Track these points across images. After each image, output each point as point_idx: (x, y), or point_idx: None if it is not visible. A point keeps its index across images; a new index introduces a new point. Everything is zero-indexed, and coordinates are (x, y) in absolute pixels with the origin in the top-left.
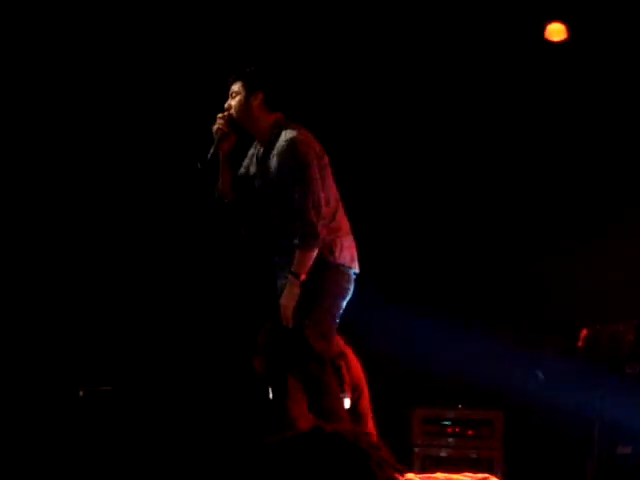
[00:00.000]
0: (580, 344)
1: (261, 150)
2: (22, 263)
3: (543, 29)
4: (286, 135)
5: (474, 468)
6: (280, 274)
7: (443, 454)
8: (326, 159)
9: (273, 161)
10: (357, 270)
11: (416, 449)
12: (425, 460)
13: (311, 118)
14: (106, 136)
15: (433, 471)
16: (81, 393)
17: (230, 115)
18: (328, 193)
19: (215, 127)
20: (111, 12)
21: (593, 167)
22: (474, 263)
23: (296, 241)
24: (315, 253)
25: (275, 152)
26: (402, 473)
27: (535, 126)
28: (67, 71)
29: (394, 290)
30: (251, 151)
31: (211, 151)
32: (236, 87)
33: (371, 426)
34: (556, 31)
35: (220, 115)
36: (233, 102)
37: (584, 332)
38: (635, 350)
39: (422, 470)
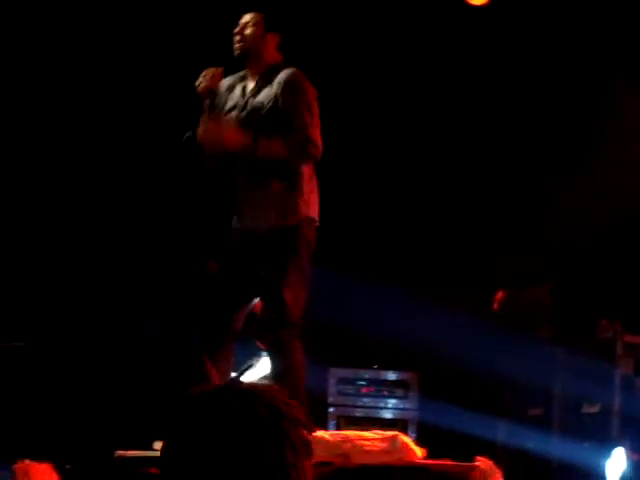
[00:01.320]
0: (496, 306)
1: (251, 82)
2: None
3: None
4: (291, 69)
5: (389, 429)
6: (245, 213)
7: (358, 414)
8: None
9: (273, 88)
10: (318, 224)
11: (331, 409)
12: (340, 420)
13: None
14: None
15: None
16: None
17: (219, 72)
18: None
19: (203, 85)
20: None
21: (508, 138)
22: (393, 224)
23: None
24: (291, 158)
25: (277, 81)
26: (312, 432)
27: (453, 99)
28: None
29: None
30: (227, 85)
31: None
32: (252, 19)
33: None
34: None
35: (208, 73)
36: (247, 32)
37: (500, 294)
38: (550, 314)
39: (337, 430)
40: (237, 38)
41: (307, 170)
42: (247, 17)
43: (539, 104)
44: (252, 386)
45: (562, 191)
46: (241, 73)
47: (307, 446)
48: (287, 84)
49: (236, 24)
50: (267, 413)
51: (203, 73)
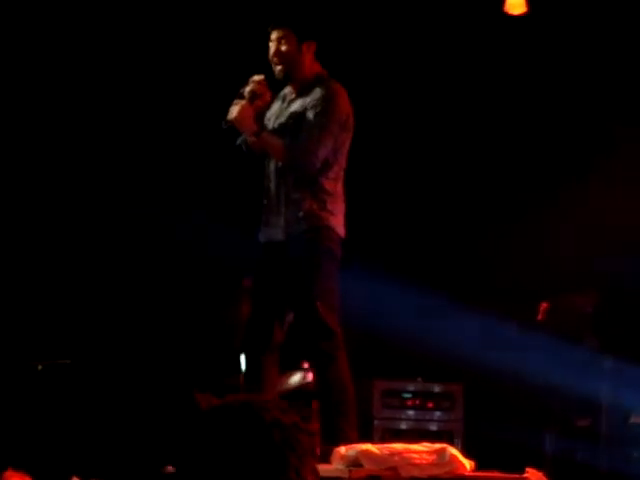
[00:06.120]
0: (540, 317)
1: (293, 94)
2: None
3: (503, 2)
4: (328, 84)
5: (434, 441)
6: (271, 221)
7: (403, 427)
8: (351, 125)
9: (304, 100)
10: (343, 236)
11: (376, 422)
12: (385, 433)
13: None
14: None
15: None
16: (40, 367)
17: (264, 79)
18: (341, 157)
19: (249, 88)
20: None
21: (547, 140)
22: (438, 236)
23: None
24: (286, 163)
25: (311, 95)
26: (306, 432)
27: (488, 101)
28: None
29: (356, 258)
30: (278, 95)
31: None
32: (283, 34)
33: None
34: (516, 4)
35: (256, 79)
36: (283, 49)
37: (544, 305)
38: (594, 323)
39: (382, 443)
40: (275, 60)
41: (330, 185)
42: (277, 33)
43: (574, 109)
44: (249, 399)
45: (606, 200)
46: (285, 89)
47: (309, 450)
48: (317, 99)
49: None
50: (265, 420)
51: (255, 78)
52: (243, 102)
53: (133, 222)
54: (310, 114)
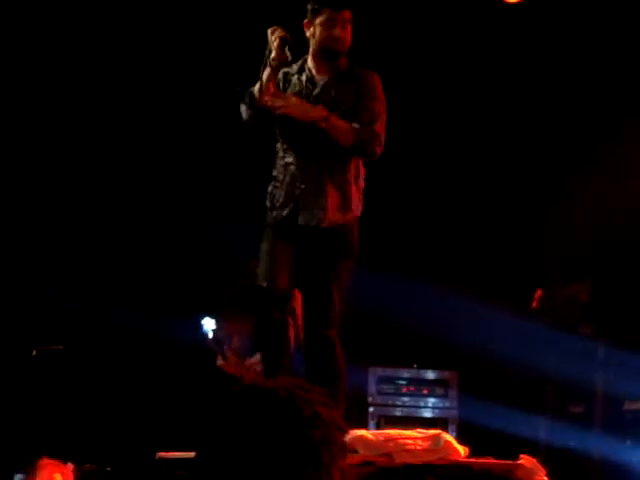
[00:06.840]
0: (535, 305)
1: (324, 78)
2: None
3: None
4: (372, 75)
5: (429, 427)
6: (306, 204)
7: (398, 413)
8: None
9: (350, 87)
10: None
11: (371, 408)
12: (380, 419)
13: None
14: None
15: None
16: (34, 352)
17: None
18: None
19: (272, 56)
20: None
21: (548, 129)
22: (434, 225)
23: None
24: (354, 145)
25: (357, 82)
26: (343, 429)
27: (487, 91)
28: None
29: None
30: (288, 72)
31: (272, 55)
32: (350, 17)
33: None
34: None
35: (279, 35)
36: (347, 31)
37: (538, 293)
38: (589, 311)
39: (377, 429)
40: (340, 42)
41: (363, 170)
42: (346, 15)
43: (573, 98)
44: (293, 386)
45: (598, 189)
46: (300, 62)
47: (342, 448)
48: (369, 88)
49: None
50: (285, 412)
51: (273, 37)
52: (288, 97)
53: (129, 209)
54: (367, 101)
